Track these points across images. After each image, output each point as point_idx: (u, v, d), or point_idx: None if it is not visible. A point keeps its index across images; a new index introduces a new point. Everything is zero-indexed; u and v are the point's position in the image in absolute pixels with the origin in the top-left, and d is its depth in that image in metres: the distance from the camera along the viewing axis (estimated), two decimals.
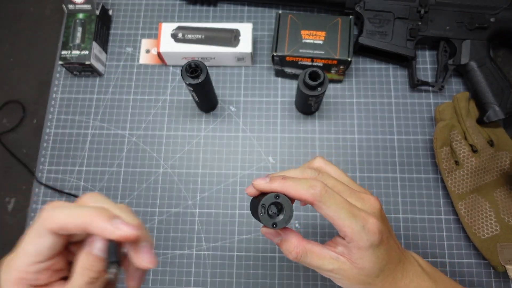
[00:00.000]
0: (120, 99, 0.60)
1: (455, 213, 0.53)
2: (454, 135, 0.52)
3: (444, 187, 0.54)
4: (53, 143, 0.58)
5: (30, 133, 0.60)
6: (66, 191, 0.56)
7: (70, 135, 0.58)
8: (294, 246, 0.30)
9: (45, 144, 0.58)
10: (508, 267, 0.47)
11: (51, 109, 0.60)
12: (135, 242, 0.24)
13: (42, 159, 0.57)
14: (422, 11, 0.56)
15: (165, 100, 0.60)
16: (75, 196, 0.56)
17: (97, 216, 0.23)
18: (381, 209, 0.31)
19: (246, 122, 0.58)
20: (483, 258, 0.51)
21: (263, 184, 0.29)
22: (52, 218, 0.23)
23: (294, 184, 0.28)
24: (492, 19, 0.55)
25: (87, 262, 0.23)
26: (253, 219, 0.54)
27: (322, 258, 0.29)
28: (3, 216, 0.56)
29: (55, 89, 0.61)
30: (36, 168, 0.57)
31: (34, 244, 0.23)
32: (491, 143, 0.52)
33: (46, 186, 0.56)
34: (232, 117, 0.58)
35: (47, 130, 0.59)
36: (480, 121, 0.53)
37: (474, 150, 0.52)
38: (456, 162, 0.52)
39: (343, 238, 0.29)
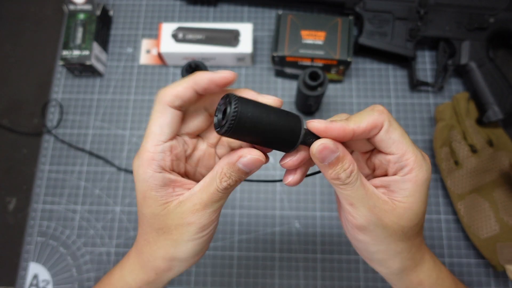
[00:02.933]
0: (121, 99, 0.60)
1: (454, 212, 0.53)
2: (454, 135, 0.53)
3: (444, 187, 0.54)
4: (53, 143, 0.58)
5: (30, 134, 0.60)
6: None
7: (70, 135, 0.58)
8: (351, 161, 0.26)
9: (45, 144, 0.58)
10: (507, 266, 0.47)
11: (52, 109, 0.60)
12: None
13: (43, 159, 0.57)
14: (422, 12, 0.56)
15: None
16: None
17: (198, 73, 0.25)
18: (431, 171, 0.30)
19: None
20: (482, 257, 0.51)
21: (322, 124, 0.26)
22: (166, 92, 0.25)
23: (358, 116, 0.26)
24: (491, 20, 0.55)
25: (228, 171, 0.25)
26: (253, 218, 0.54)
27: (367, 189, 0.27)
28: (4, 215, 0.56)
29: (55, 89, 0.61)
30: (37, 168, 0.57)
31: (158, 123, 0.26)
32: (490, 143, 0.52)
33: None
34: None
35: (48, 130, 0.59)
36: (480, 121, 0.53)
37: (473, 150, 0.52)
38: (456, 162, 0.52)
39: (387, 175, 0.28)
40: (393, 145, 0.27)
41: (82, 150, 0.58)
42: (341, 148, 0.26)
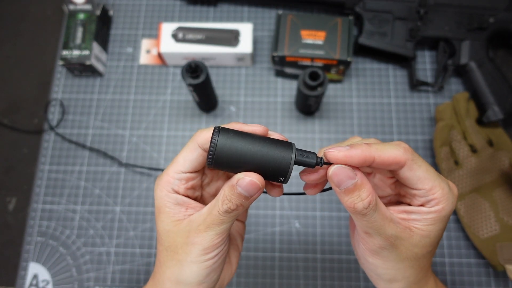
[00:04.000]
0: (121, 99, 0.60)
1: (454, 212, 0.53)
2: (454, 135, 0.53)
3: None
4: (53, 143, 0.58)
5: (30, 133, 0.60)
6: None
7: (70, 135, 0.58)
8: (369, 192, 0.25)
9: (45, 144, 0.58)
10: (507, 266, 0.47)
11: (52, 109, 0.60)
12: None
13: (43, 159, 0.57)
14: (422, 12, 0.56)
15: (166, 100, 0.60)
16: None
17: (233, 123, 0.28)
18: (455, 203, 0.29)
19: (246, 122, 0.58)
20: (482, 257, 0.51)
21: (341, 154, 0.25)
22: (202, 134, 0.27)
23: (382, 146, 0.25)
24: (491, 20, 0.55)
25: (229, 194, 0.26)
26: (253, 218, 0.54)
27: (385, 219, 0.26)
28: (4, 215, 0.56)
29: (55, 89, 0.61)
30: (37, 168, 0.57)
31: (184, 156, 0.28)
32: (490, 143, 0.52)
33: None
34: (232, 117, 0.59)
35: (48, 130, 0.59)
36: (480, 121, 0.54)
37: (473, 150, 0.52)
38: (456, 162, 0.52)
39: (412, 205, 0.27)
40: (418, 182, 0.26)
41: (83, 146, 0.58)
42: (360, 175, 0.25)
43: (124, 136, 0.58)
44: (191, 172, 0.29)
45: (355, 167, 0.25)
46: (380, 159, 0.25)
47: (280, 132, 0.58)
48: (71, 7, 0.59)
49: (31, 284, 0.52)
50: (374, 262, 0.28)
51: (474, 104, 0.55)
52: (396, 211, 0.28)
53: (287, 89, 0.60)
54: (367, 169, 0.28)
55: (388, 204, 0.30)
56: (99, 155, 0.57)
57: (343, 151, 0.25)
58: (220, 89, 0.60)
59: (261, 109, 0.59)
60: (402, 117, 0.58)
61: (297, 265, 0.52)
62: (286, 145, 0.25)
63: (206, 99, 0.55)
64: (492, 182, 0.51)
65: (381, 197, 0.31)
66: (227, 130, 0.24)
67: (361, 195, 0.25)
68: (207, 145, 0.27)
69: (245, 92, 0.60)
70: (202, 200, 0.32)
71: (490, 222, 0.49)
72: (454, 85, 0.59)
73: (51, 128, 0.59)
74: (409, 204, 0.28)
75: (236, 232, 0.35)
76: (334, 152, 0.25)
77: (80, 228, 0.54)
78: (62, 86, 0.61)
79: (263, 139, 0.25)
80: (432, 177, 0.26)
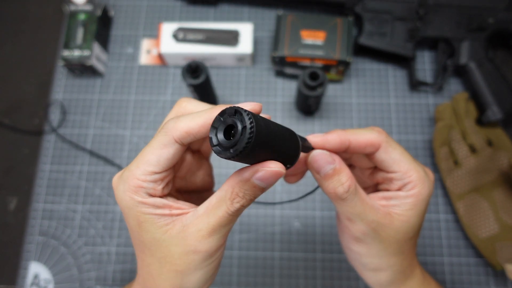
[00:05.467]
0: (121, 99, 0.60)
1: (454, 212, 0.53)
2: (453, 135, 0.53)
3: (443, 187, 0.54)
4: (54, 143, 0.58)
5: (31, 133, 0.60)
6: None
7: (71, 135, 0.59)
8: (349, 176, 0.26)
9: (46, 144, 0.58)
10: (506, 266, 0.47)
11: (52, 109, 0.60)
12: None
13: (44, 158, 0.58)
14: (421, 12, 0.56)
15: (166, 101, 0.60)
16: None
17: (217, 107, 0.23)
18: (433, 186, 0.30)
19: None
20: (481, 257, 0.51)
21: (318, 138, 0.26)
22: (177, 126, 0.23)
23: (357, 130, 0.27)
24: (490, 20, 0.55)
25: (241, 190, 0.22)
26: (253, 218, 0.54)
27: (366, 204, 0.26)
28: (5, 215, 0.56)
29: (56, 89, 0.61)
30: (38, 167, 0.57)
31: (157, 154, 0.23)
32: (489, 143, 0.53)
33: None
34: None
35: (48, 130, 0.59)
36: (479, 121, 0.54)
37: (473, 150, 0.52)
38: (455, 162, 0.52)
39: (390, 190, 0.28)
40: (394, 164, 0.27)
41: (83, 149, 0.58)
42: (338, 160, 0.26)
43: (125, 136, 0.58)
44: (166, 171, 0.24)
45: (333, 153, 0.26)
46: (356, 142, 0.26)
47: None
48: (72, 7, 0.59)
49: (32, 283, 0.52)
50: (359, 251, 0.29)
51: (474, 104, 0.55)
52: (376, 198, 0.28)
53: (287, 89, 0.60)
54: (345, 154, 0.29)
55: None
56: (100, 155, 0.57)
57: (320, 136, 0.26)
58: (220, 89, 0.60)
59: (261, 109, 0.59)
60: (401, 117, 0.58)
61: (297, 265, 0.52)
62: (290, 131, 0.24)
63: (206, 99, 0.55)
64: (491, 182, 0.51)
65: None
66: (255, 115, 0.20)
67: (340, 179, 0.25)
68: (187, 139, 0.23)
69: (245, 92, 0.60)
70: (178, 190, 0.28)
71: (489, 222, 0.49)
72: (454, 85, 0.59)
73: (53, 130, 0.59)
74: (388, 190, 0.29)
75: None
76: (311, 137, 0.26)
77: (81, 228, 0.55)
78: (62, 86, 0.61)
79: (276, 124, 0.22)
80: (407, 160, 0.27)
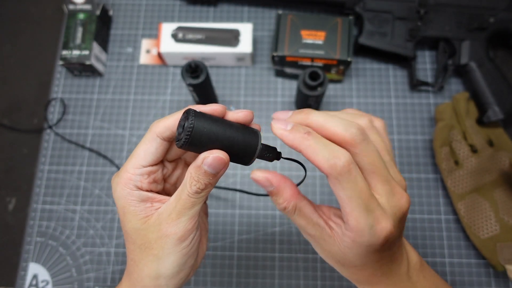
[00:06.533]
0: (121, 99, 0.60)
1: (454, 213, 0.53)
2: (454, 135, 0.53)
3: (444, 187, 0.54)
4: (53, 143, 0.58)
5: (31, 133, 0.60)
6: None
7: (70, 135, 0.58)
8: (285, 199, 0.27)
9: (45, 144, 0.58)
10: (507, 266, 0.47)
11: (52, 109, 0.60)
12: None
13: (43, 159, 0.57)
14: (422, 12, 0.56)
15: (165, 100, 0.60)
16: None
17: (189, 107, 0.26)
18: (406, 211, 0.26)
19: None
20: (482, 257, 0.51)
21: (279, 132, 0.26)
22: (158, 123, 0.27)
23: (317, 146, 0.24)
24: (491, 20, 0.55)
25: (196, 175, 0.26)
26: (253, 218, 0.54)
27: (309, 220, 0.27)
28: (4, 215, 0.56)
29: (55, 89, 0.61)
30: (36, 168, 0.57)
31: (143, 149, 0.27)
32: (490, 143, 0.52)
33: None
34: None
35: (48, 130, 0.59)
36: (480, 121, 0.53)
37: (473, 150, 0.52)
38: (456, 162, 0.52)
39: (342, 220, 0.26)
40: (337, 198, 0.25)
41: (82, 146, 0.57)
42: (277, 183, 0.27)
43: (124, 136, 0.58)
44: (152, 165, 0.28)
45: (277, 174, 0.27)
46: (307, 156, 0.24)
47: None
48: (71, 7, 0.59)
49: (30, 284, 0.52)
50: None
51: (474, 104, 0.55)
52: (330, 213, 0.28)
53: (287, 89, 0.60)
54: None
55: None
56: (99, 155, 0.57)
57: (282, 129, 0.26)
58: (220, 89, 0.60)
59: (261, 109, 0.59)
60: (402, 117, 0.58)
61: (297, 265, 0.52)
62: (250, 137, 0.27)
63: (206, 99, 0.55)
64: (492, 182, 0.51)
65: None
66: (203, 115, 0.25)
67: (277, 200, 0.27)
68: (166, 133, 0.27)
69: (245, 92, 0.60)
70: (164, 193, 0.31)
71: (490, 222, 0.49)
72: (454, 85, 0.59)
73: (50, 127, 0.59)
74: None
75: (201, 211, 0.34)
76: (277, 114, 0.28)
77: (80, 228, 0.54)
78: (62, 86, 0.61)
79: (234, 127, 0.27)
80: (353, 206, 0.24)
